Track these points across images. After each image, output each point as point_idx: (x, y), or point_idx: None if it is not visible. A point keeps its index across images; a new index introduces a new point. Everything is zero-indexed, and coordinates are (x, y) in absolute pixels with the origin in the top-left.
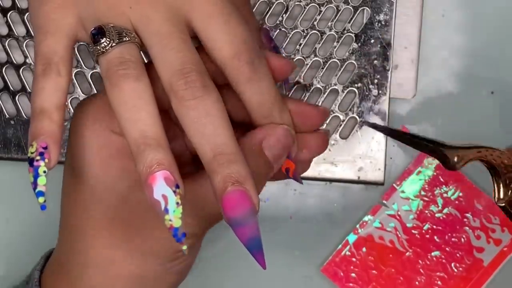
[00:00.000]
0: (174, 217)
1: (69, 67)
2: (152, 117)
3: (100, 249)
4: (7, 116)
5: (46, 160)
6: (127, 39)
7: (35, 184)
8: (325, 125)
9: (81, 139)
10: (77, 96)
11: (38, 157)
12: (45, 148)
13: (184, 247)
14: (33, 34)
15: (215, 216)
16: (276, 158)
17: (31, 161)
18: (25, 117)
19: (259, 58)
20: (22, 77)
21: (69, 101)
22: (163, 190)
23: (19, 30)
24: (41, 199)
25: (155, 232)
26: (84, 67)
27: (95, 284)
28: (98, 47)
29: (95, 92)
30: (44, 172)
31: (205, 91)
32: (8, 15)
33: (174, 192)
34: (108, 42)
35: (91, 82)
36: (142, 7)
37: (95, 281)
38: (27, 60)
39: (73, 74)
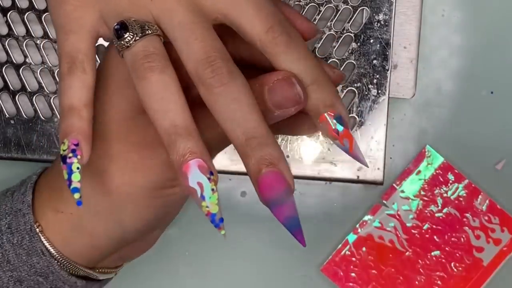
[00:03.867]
0: (211, 203)
1: (94, 64)
2: (181, 106)
3: (92, 160)
4: (7, 115)
5: (79, 157)
6: (150, 32)
7: (69, 181)
8: None
9: (110, 62)
10: None
11: (70, 154)
12: (77, 145)
13: (223, 232)
14: (55, 34)
15: (225, 135)
16: (276, 104)
17: (64, 159)
18: (25, 116)
19: (291, 27)
20: (22, 77)
21: None
22: (198, 177)
23: (19, 30)
24: (76, 195)
25: (154, 151)
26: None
27: (84, 192)
28: (122, 42)
29: None
30: (78, 168)
31: (231, 77)
32: (8, 15)
33: (209, 179)
34: (131, 37)
35: None
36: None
37: (84, 190)
38: (27, 60)
39: None
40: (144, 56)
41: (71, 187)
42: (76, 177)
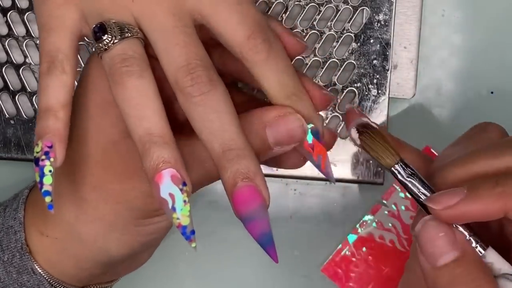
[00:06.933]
0: (182, 215)
1: (74, 64)
2: (157, 114)
3: (76, 187)
4: (7, 116)
5: (52, 159)
6: (129, 34)
7: (41, 184)
8: (324, 123)
9: (89, 79)
10: None
11: (43, 157)
12: (50, 147)
13: (194, 245)
14: (38, 33)
15: (211, 173)
16: (277, 143)
17: (36, 161)
18: (25, 116)
19: (274, 37)
20: (22, 77)
21: None
22: (169, 188)
23: (19, 30)
24: (47, 199)
25: (135, 183)
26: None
27: (68, 220)
28: (101, 44)
29: None
30: (50, 171)
31: (211, 86)
32: (8, 15)
33: (181, 190)
34: (110, 39)
35: None
36: (144, 0)
37: (68, 217)
38: (27, 60)
39: None
40: (122, 59)
41: (42, 190)
42: (47, 180)
